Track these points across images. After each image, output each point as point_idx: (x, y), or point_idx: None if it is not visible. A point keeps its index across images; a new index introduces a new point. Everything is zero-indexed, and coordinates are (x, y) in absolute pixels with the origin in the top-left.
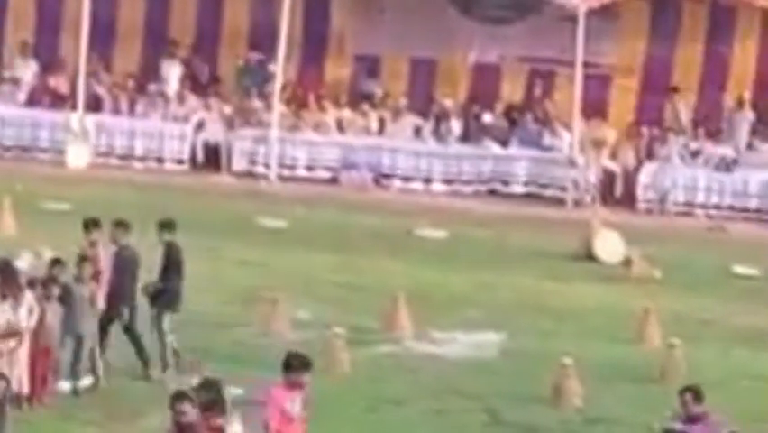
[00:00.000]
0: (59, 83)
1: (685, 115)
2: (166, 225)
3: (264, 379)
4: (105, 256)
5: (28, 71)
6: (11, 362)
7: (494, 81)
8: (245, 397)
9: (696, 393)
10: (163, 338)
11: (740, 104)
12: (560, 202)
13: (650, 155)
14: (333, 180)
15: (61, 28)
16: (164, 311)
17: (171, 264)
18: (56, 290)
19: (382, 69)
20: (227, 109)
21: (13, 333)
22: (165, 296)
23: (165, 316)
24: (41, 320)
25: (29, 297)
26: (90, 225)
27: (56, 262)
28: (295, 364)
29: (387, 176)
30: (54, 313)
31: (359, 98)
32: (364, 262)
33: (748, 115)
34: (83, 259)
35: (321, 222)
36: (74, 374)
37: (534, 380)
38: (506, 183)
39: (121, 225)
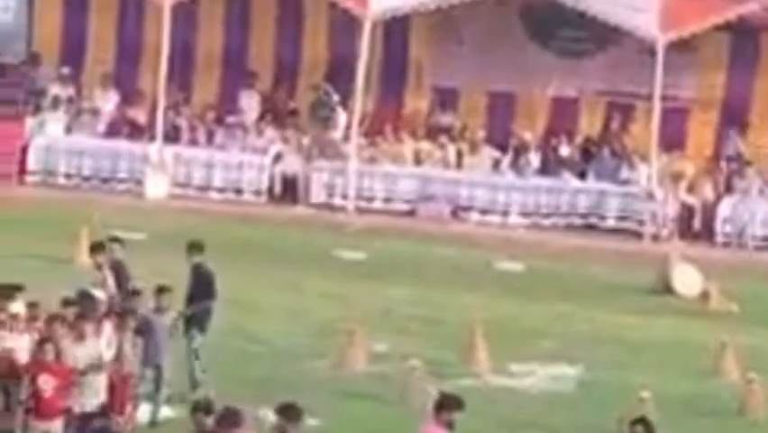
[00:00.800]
0: (137, 114)
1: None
2: (194, 247)
3: (339, 410)
4: None
5: (108, 102)
6: (92, 395)
7: (572, 114)
8: (320, 427)
9: (646, 426)
10: (192, 358)
11: None
12: (638, 235)
13: (729, 189)
14: (411, 213)
15: (141, 59)
16: (194, 332)
17: (200, 286)
18: (132, 322)
19: (460, 101)
20: (305, 141)
21: (95, 367)
22: (195, 317)
23: (195, 336)
24: (118, 351)
25: (108, 328)
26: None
27: (133, 292)
28: (448, 404)
29: (465, 208)
30: (130, 344)
31: (436, 131)
32: (442, 295)
33: None
34: (161, 290)
35: (399, 254)
36: (154, 405)
37: (611, 413)
38: (583, 216)
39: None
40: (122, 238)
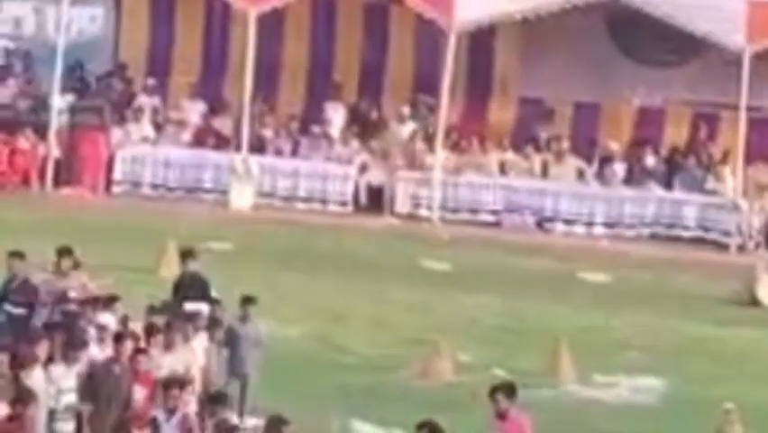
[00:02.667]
0: (223, 124)
1: None
2: (188, 254)
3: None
4: None
5: (195, 113)
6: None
7: (658, 124)
8: None
9: (508, 390)
10: None
11: None
12: (723, 246)
13: None
14: (496, 223)
15: (226, 70)
16: None
17: (195, 292)
18: (220, 333)
19: (546, 112)
20: (391, 152)
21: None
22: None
23: None
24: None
25: (202, 338)
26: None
27: (217, 302)
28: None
29: (549, 219)
30: (216, 354)
31: (522, 141)
32: (526, 306)
33: None
34: (247, 300)
35: (484, 264)
36: (239, 414)
37: (696, 425)
38: (668, 227)
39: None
40: (194, 251)
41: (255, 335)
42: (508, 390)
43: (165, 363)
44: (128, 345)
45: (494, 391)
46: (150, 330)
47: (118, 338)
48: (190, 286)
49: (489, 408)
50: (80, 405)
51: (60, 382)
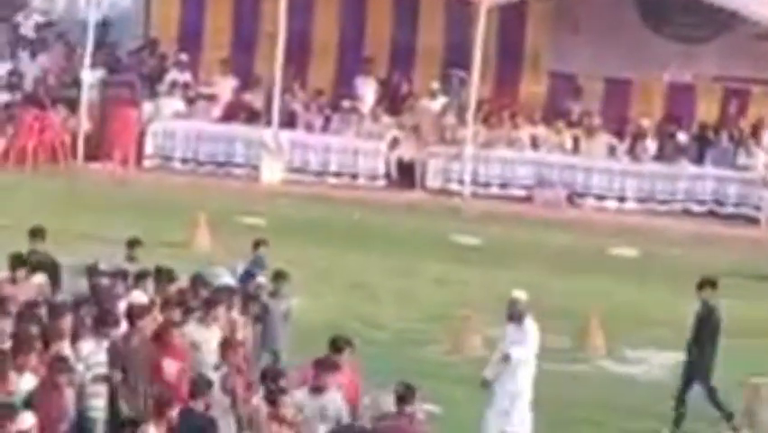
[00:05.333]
0: (254, 99)
1: None
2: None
3: (454, 396)
4: None
5: (226, 87)
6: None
7: (689, 100)
8: (436, 413)
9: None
10: None
11: None
12: (754, 222)
13: None
14: (527, 198)
15: (257, 45)
16: None
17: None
18: (255, 308)
19: (577, 87)
20: (422, 126)
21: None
22: None
23: None
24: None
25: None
26: None
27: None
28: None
29: (581, 194)
30: (250, 331)
31: (554, 116)
32: (557, 281)
33: None
34: (279, 275)
35: (515, 240)
36: None
37: (725, 401)
38: (700, 202)
39: None
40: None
41: (285, 310)
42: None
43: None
44: (150, 319)
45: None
46: (168, 302)
47: (139, 312)
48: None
49: None
50: (110, 374)
51: (90, 358)
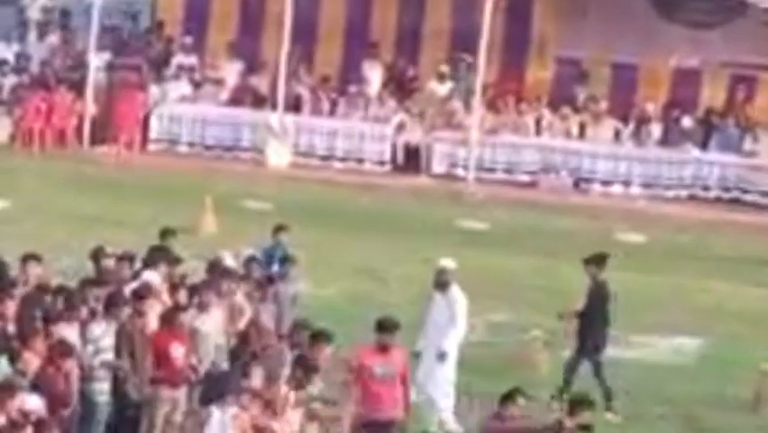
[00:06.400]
0: (260, 83)
1: None
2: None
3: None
4: None
5: (232, 71)
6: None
7: (695, 85)
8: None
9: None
10: None
11: None
12: (760, 207)
13: None
14: (533, 184)
15: (263, 29)
16: None
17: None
18: (271, 291)
19: (584, 72)
20: (428, 111)
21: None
22: None
23: None
24: (255, 322)
25: (238, 298)
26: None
27: (252, 259)
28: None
29: (586, 180)
30: (269, 314)
31: (559, 101)
32: (562, 266)
33: None
34: (287, 259)
35: (520, 225)
36: None
37: (732, 386)
38: (705, 188)
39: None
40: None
41: (293, 293)
42: None
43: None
44: (151, 302)
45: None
46: (175, 287)
47: (138, 296)
48: None
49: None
50: (116, 360)
51: (99, 341)
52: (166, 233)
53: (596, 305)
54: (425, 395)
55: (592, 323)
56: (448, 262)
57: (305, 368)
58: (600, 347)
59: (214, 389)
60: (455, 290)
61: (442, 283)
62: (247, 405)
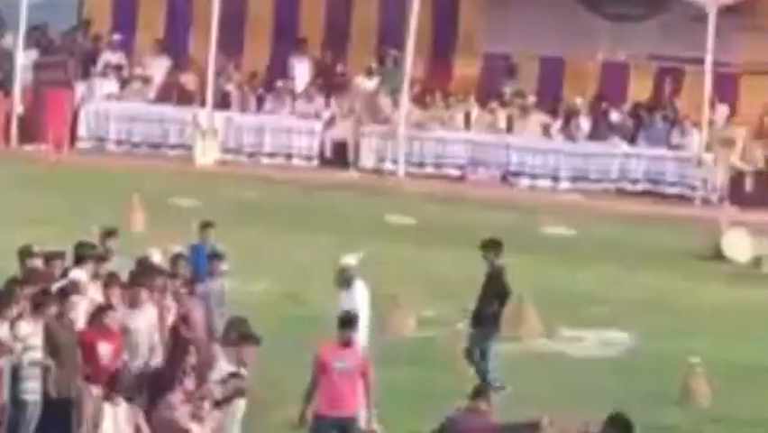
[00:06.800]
0: (188, 80)
1: None
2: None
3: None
4: None
5: (159, 68)
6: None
7: (622, 79)
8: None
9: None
10: None
11: None
12: (688, 200)
13: None
14: (461, 178)
15: (191, 26)
16: None
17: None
18: (200, 288)
19: (511, 67)
20: (356, 106)
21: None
22: None
23: None
24: (186, 318)
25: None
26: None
27: (178, 257)
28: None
29: (515, 174)
30: (199, 311)
31: (487, 96)
32: None
33: None
34: (214, 255)
35: (449, 219)
36: None
37: (661, 379)
38: (634, 181)
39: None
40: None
41: (219, 290)
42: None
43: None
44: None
45: None
46: (109, 283)
47: (64, 293)
48: None
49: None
50: (43, 360)
51: (28, 339)
52: (108, 234)
53: (492, 290)
54: None
55: (487, 308)
56: (350, 259)
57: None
58: (493, 333)
59: (150, 386)
60: (359, 286)
61: (345, 280)
62: (177, 405)
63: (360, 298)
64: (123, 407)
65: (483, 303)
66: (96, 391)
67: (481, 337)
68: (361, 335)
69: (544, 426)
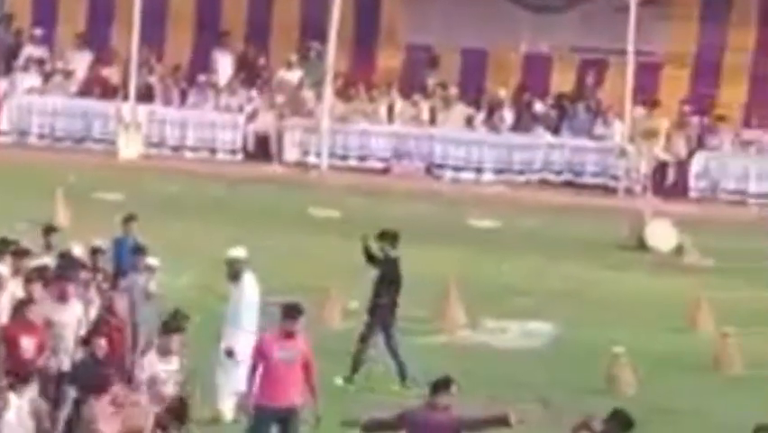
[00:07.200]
0: (110, 74)
1: None
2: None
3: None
4: None
5: (82, 62)
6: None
7: (545, 71)
8: None
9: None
10: None
11: None
12: (611, 191)
13: (701, 144)
14: (385, 171)
15: (113, 19)
16: None
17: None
18: (123, 281)
19: (434, 58)
20: (278, 99)
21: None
22: None
23: None
24: (111, 311)
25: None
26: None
27: (97, 250)
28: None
29: (439, 166)
30: (124, 304)
31: (410, 88)
32: (416, 252)
33: None
34: (137, 249)
35: (373, 212)
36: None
37: (586, 369)
38: (557, 172)
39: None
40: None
41: (143, 284)
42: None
43: (56, 314)
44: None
45: None
46: (31, 279)
47: None
48: None
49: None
50: None
51: None
52: (48, 230)
53: (386, 280)
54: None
55: (382, 298)
56: (238, 252)
57: None
58: (389, 322)
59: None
60: (248, 279)
61: (234, 274)
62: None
63: (249, 290)
64: (28, 399)
65: (379, 293)
66: (23, 387)
67: (379, 326)
68: (250, 328)
69: (511, 421)
